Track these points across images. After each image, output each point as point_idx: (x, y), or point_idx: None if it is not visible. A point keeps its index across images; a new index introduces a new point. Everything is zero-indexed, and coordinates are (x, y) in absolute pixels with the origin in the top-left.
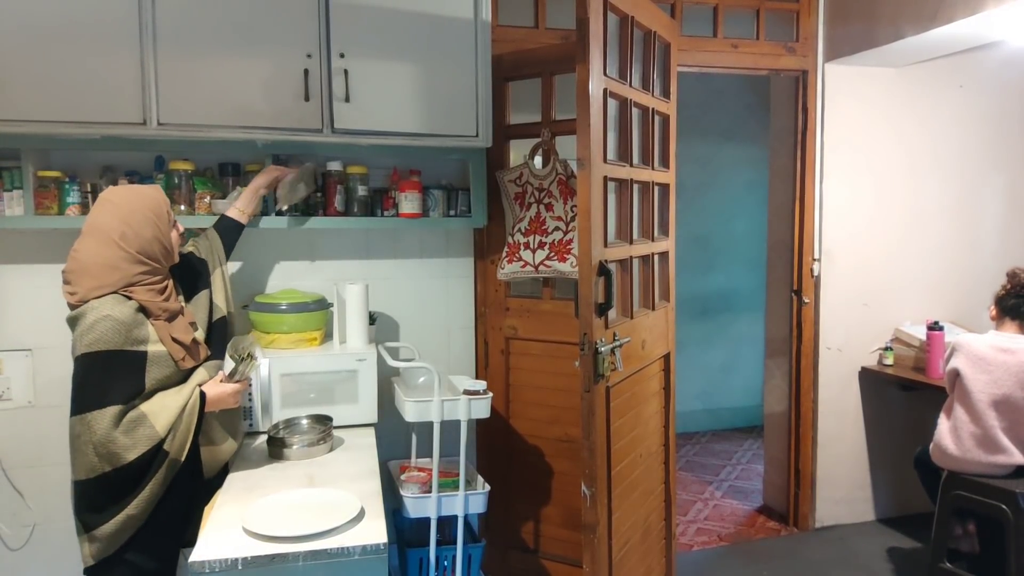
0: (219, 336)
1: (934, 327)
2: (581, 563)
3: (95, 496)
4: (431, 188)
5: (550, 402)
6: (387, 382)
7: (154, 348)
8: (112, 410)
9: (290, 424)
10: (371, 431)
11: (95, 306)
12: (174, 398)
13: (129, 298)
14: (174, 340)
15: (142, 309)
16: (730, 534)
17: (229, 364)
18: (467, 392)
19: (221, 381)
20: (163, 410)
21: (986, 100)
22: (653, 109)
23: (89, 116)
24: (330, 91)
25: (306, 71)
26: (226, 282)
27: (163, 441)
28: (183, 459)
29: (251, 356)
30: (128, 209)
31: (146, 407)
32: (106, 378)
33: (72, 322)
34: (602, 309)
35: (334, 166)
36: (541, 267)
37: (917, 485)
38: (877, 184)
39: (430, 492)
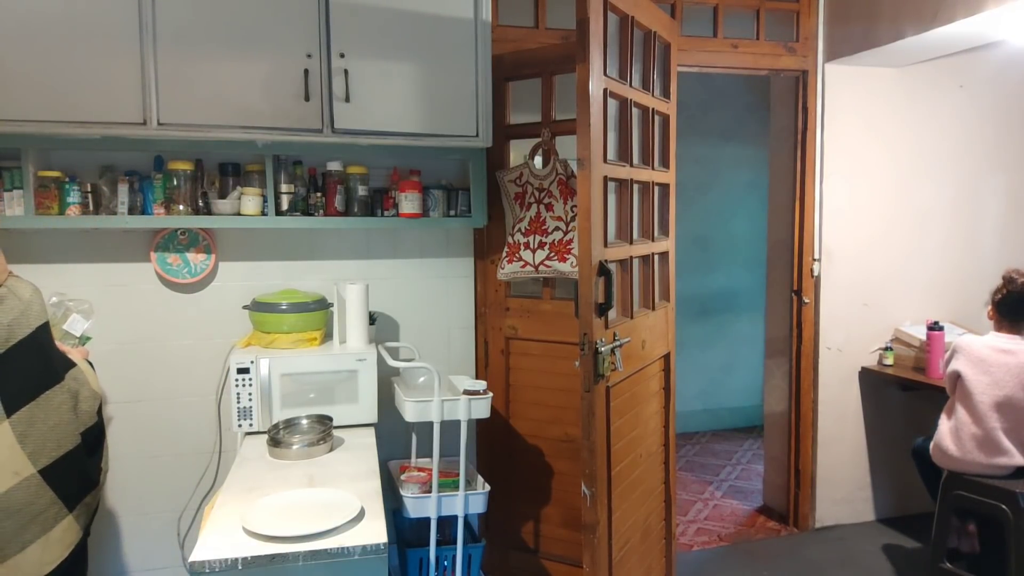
0: None
1: (934, 327)
2: (581, 563)
3: (93, 447)
4: (431, 188)
5: (550, 402)
6: (387, 382)
7: None
8: (82, 362)
9: (290, 424)
10: (371, 431)
11: (15, 285)
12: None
13: None
14: None
15: None
16: (730, 534)
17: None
18: (467, 392)
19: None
20: (81, 361)
21: (986, 100)
22: (653, 109)
23: (89, 116)
24: (330, 91)
25: (306, 71)
26: None
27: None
28: None
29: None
30: None
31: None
32: (54, 344)
33: None
34: (602, 309)
35: (334, 166)
36: (541, 267)
37: (917, 485)
38: (877, 184)
39: (430, 492)
